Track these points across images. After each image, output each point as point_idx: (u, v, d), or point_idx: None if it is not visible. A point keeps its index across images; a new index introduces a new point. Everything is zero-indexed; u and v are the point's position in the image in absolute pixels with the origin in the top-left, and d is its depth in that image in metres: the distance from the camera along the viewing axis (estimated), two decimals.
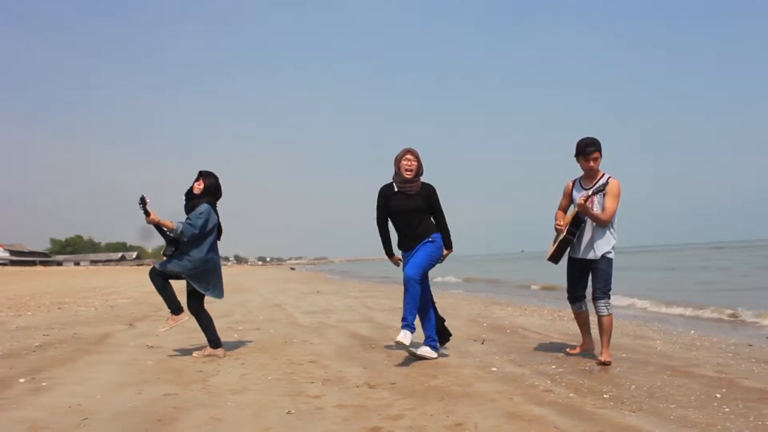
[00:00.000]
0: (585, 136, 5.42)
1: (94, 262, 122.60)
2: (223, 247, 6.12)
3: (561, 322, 8.88)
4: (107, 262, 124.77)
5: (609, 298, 5.38)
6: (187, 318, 5.95)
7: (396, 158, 5.64)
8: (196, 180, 5.90)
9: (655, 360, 5.57)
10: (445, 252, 5.72)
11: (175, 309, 5.88)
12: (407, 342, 5.30)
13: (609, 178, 5.37)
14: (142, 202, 5.59)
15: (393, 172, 5.68)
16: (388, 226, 5.78)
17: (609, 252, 5.38)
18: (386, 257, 5.88)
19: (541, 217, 5.70)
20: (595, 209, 5.35)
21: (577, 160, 5.46)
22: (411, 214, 5.58)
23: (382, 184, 5.76)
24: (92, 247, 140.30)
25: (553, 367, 5.30)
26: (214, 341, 5.99)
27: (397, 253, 5.82)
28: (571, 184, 5.63)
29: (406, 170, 5.57)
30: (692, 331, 8.00)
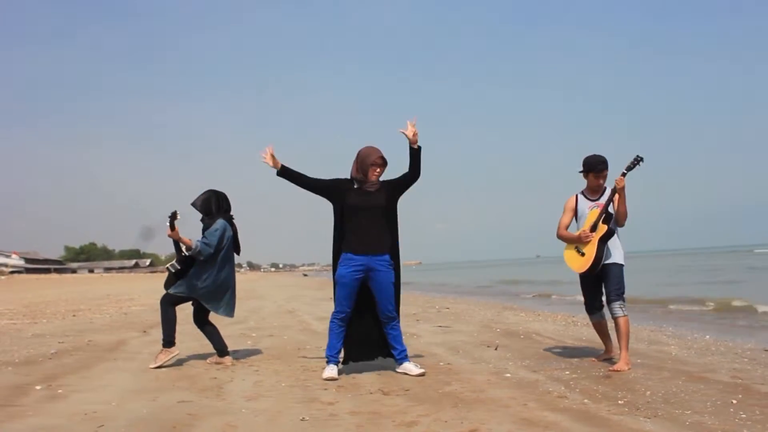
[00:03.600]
0: (591, 153, 5.48)
1: (107, 270, 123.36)
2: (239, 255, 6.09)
3: (575, 328, 8.84)
4: (121, 269, 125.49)
5: (623, 300, 5.38)
6: (177, 352, 5.82)
7: (363, 160, 5.21)
8: None
9: (670, 365, 5.53)
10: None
11: (169, 343, 5.76)
12: (418, 371, 5.26)
13: (612, 188, 5.41)
14: (173, 216, 5.63)
15: (353, 169, 5.28)
16: (312, 182, 5.29)
17: (620, 258, 5.42)
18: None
19: (557, 219, 5.64)
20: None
21: (585, 176, 5.53)
22: (371, 212, 5.20)
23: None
24: (106, 254, 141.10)
25: (568, 372, 5.28)
26: (221, 350, 6.00)
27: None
28: (575, 198, 5.64)
29: (376, 177, 5.25)
30: (707, 336, 7.94)
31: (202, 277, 5.73)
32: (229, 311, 5.94)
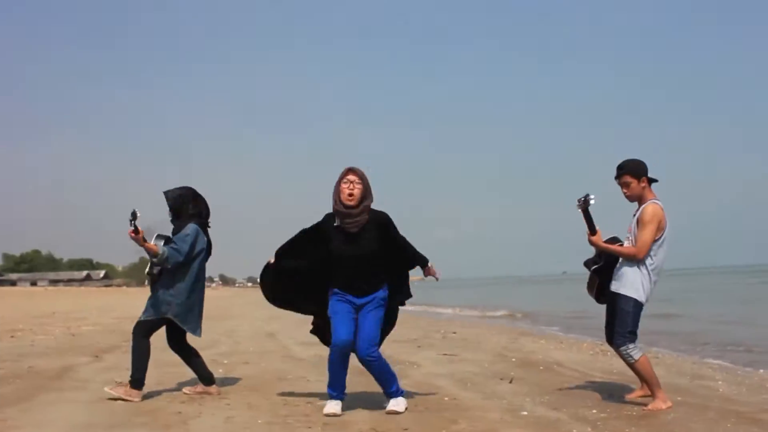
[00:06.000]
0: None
1: (53, 282, 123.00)
2: (209, 266, 6.08)
3: (604, 358, 8.84)
4: (69, 281, 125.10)
5: (632, 342, 5.26)
6: (139, 400, 5.67)
7: (335, 184, 5.27)
8: None
9: (717, 404, 5.54)
10: (431, 267, 5.56)
11: (137, 382, 5.69)
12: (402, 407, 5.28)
13: (647, 204, 5.36)
14: (133, 216, 5.57)
15: (332, 201, 5.32)
16: (297, 244, 5.53)
17: (630, 290, 5.29)
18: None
19: (584, 232, 5.65)
20: (627, 241, 5.42)
21: None
22: (356, 261, 5.25)
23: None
24: (52, 264, 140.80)
25: (594, 411, 5.28)
26: (207, 378, 5.99)
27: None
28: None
29: (348, 195, 5.19)
30: (761, 370, 7.96)
31: (173, 291, 5.70)
32: (198, 329, 5.92)
